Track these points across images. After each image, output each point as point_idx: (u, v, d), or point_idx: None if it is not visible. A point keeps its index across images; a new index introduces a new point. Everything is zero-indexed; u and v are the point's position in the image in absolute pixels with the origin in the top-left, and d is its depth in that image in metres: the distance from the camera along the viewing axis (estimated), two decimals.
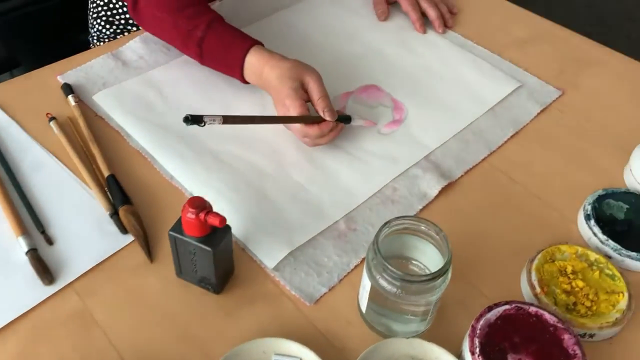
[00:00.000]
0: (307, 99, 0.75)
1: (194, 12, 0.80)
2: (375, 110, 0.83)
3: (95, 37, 1.12)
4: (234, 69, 0.79)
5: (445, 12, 1.00)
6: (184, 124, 0.63)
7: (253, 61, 0.77)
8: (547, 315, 0.57)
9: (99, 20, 1.09)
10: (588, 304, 0.62)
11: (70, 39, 1.20)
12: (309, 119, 0.73)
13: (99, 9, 1.08)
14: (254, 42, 0.78)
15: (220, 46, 0.79)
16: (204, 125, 0.64)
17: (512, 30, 1.00)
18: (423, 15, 0.99)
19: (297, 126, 0.74)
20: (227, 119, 0.67)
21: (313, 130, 0.73)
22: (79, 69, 0.86)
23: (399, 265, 0.60)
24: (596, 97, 0.88)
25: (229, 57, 0.78)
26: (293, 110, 0.73)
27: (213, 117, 0.65)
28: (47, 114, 0.78)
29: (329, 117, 0.74)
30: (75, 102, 0.79)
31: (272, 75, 0.75)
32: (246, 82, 0.80)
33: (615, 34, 2.48)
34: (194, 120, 0.64)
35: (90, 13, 1.11)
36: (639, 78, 0.92)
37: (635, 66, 0.94)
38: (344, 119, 0.77)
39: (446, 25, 0.98)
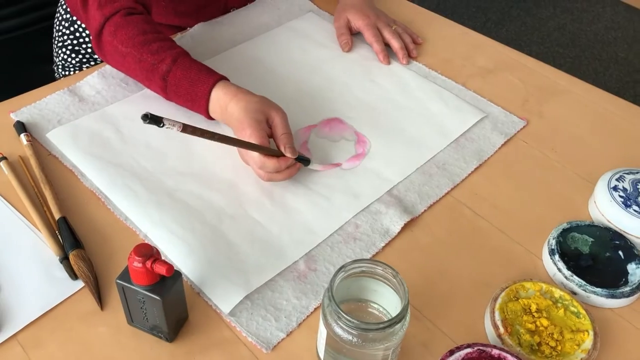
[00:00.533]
0: (269, 134, 0.74)
1: (159, 47, 0.78)
2: (338, 143, 0.82)
3: (60, 66, 1.10)
4: (199, 103, 0.77)
5: (409, 43, 0.99)
6: (142, 122, 0.60)
7: (219, 95, 0.76)
8: (510, 358, 0.56)
9: (64, 49, 1.07)
10: (553, 343, 0.60)
11: (33, 71, 1.18)
12: (269, 150, 0.72)
13: (65, 37, 1.06)
14: (221, 77, 0.77)
15: (186, 80, 0.77)
16: (162, 126, 0.61)
17: (477, 60, 1.00)
18: (387, 45, 0.98)
19: (255, 156, 0.72)
20: (187, 128, 0.64)
21: (271, 162, 0.72)
22: (33, 106, 0.83)
23: (357, 309, 0.58)
24: (561, 126, 0.88)
25: (195, 90, 0.77)
26: (254, 140, 0.71)
27: (173, 122, 0.62)
28: None
29: (289, 154, 0.72)
30: (28, 140, 0.77)
31: (237, 107, 0.74)
32: (210, 118, 0.78)
33: (587, 55, 2.52)
34: (153, 119, 0.60)
35: (55, 42, 1.09)
36: (604, 107, 0.92)
37: (600, 95, 0.95)
38: (304, 160, 0.76)
39: (410, 56, 0.98)
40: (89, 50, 1.05)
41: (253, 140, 0.71)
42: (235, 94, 0.75)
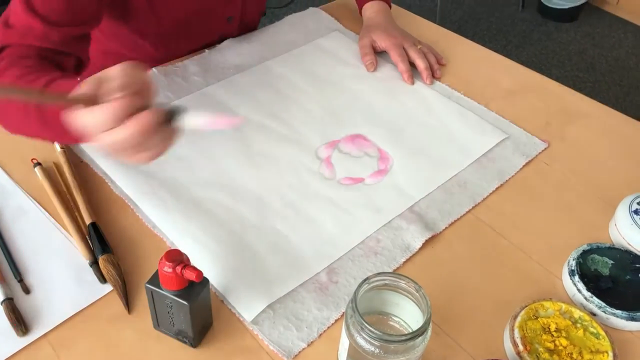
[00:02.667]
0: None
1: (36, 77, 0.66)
2: (361, 159, 0.83)
3: None
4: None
5: (434, 63, 1.01)
6: None
7: None
8: None
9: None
10: None
11: None
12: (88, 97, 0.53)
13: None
14: None
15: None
16: None
17: (500, 82, 1.01)
18: (411, 65, 1.00)
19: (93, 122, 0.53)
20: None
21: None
22: None
23: (379, 321, 0.59)
24: (582, 149, 0.89)
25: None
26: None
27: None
28: (33, 159, 0.78)
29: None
30: (61, 147, 0.80)
31: None
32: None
33: (608, 81, 2.52)
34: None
35: None
36: (625, 131, 0.93)
37: (621, 119, 0.95)
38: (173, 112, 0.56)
39: (434, 76, 1.00)
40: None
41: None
42: None
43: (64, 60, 0.75)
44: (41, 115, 0.65)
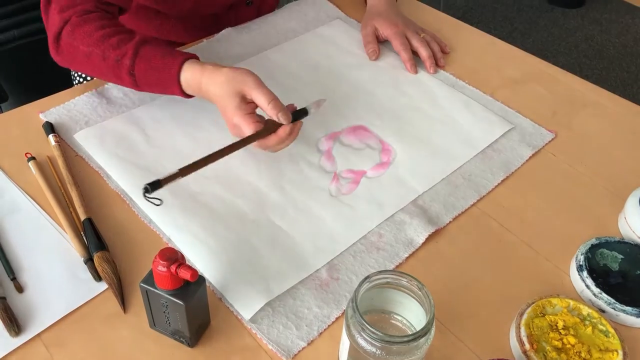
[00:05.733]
0: (254, 107, 0.73)
1: (119, 40, 0.76)
2: (363, 151, 0.81)
3: (76, 81, 1.10)
4: (172, 89, 0.76)
5: (437, 52, 0.98)
6: (145, 197, 0.62)
7: (188, 78, 0.74)
8: None
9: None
10: None
11: (63, 72, 1.19)
12: (266, 131, 0.70)
13: None
14: (184, 58, 0.75)
15: (152, 70, 0.75)
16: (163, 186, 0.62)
17: (505, 70, 0.98)
18: (415, 54, 0.98)
19: (255, 143, 0.71)
20: (185, 171, 0.65)
21: (272, 141, 0.71)
22: (61, 107, 0.84)
23: (381, 320, 0.57)
24: (590, 140, 0.86)
25: (163, 78, 0.75)
26: (245, 129, 0.71)
27: (171, 177, 0.64)
28: (26, 153, 0.76)
29: (284, 121, 0.71)
30: (56, 141, 0.78)
31: (210, 90, 0.73)
32: (185, 96, 0.77)
33: (615, 67, 2.48)
34: (154, 187, 0.62)
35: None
36: (634, 120, 0.90)
37: (630, 107, 0.93)
38: (300, 114, 0.73)
39: (438, 65, 0.97)
40: None
41: (245, 130, 0.71)
42: (202, 72, 0.73)
43: (112, 9, 0.83)
44: (134, 81, 0.77)
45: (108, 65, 0.76)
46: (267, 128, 0.71)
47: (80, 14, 0.78)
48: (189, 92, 0.76)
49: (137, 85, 0.77)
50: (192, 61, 0.75)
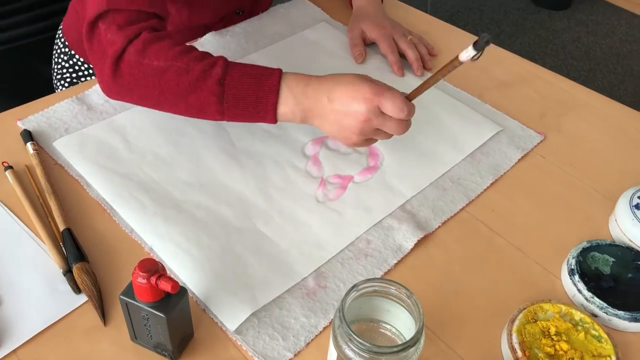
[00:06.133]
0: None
1: (202, 54, 0.71)
2: (350, 156, 0.80)
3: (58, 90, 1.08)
4: (269, 98, 0.69)
5: (425, 54, 0.97)
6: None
7: (290, 81, 0.70)
8: None
9: (62, 82, 1.06)
10: None
11: (41, 79, 1.17)
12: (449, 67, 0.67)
13: (64, 71, 1.05)
14: (281, 70, 0.71)
15: (247, 77, 0.69)
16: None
17: (493, 72, 0.97)
18: (402, 56, 0.96)
19: (398, 102, 0.69)
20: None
21: (411, 104, 0.71)
22: (40, 114, 0.82)
23: (369, 330, 0.56)
24: (579, 141, 0.86)
25: (261, 85, 0.69)
26: (390, 93, 0.70)
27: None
28: (3, 162, 0.74)
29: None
30: (34, 149, 0.76)
31: (329, 83, 0.69)
32: (274, 117, 0.70)
33: (602, 69, 2.49)
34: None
35: (55, 74, 1.08)
36: (624, 122, 0.89)
37: (618, 108, 0.92)
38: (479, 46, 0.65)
39: (425, 68, 0.96)
40: None
41: (392, 92, 0.70)
42: (309, 77, 0.70)
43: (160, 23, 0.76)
44: (220, 92, 0.69)
45: (190, 79, 0.68)
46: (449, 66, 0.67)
47: (150, 30, 0.72)
48: (288, 100, 0.69)
49: (222, 98, 0.69)
50: (292, 73, 0.72)
